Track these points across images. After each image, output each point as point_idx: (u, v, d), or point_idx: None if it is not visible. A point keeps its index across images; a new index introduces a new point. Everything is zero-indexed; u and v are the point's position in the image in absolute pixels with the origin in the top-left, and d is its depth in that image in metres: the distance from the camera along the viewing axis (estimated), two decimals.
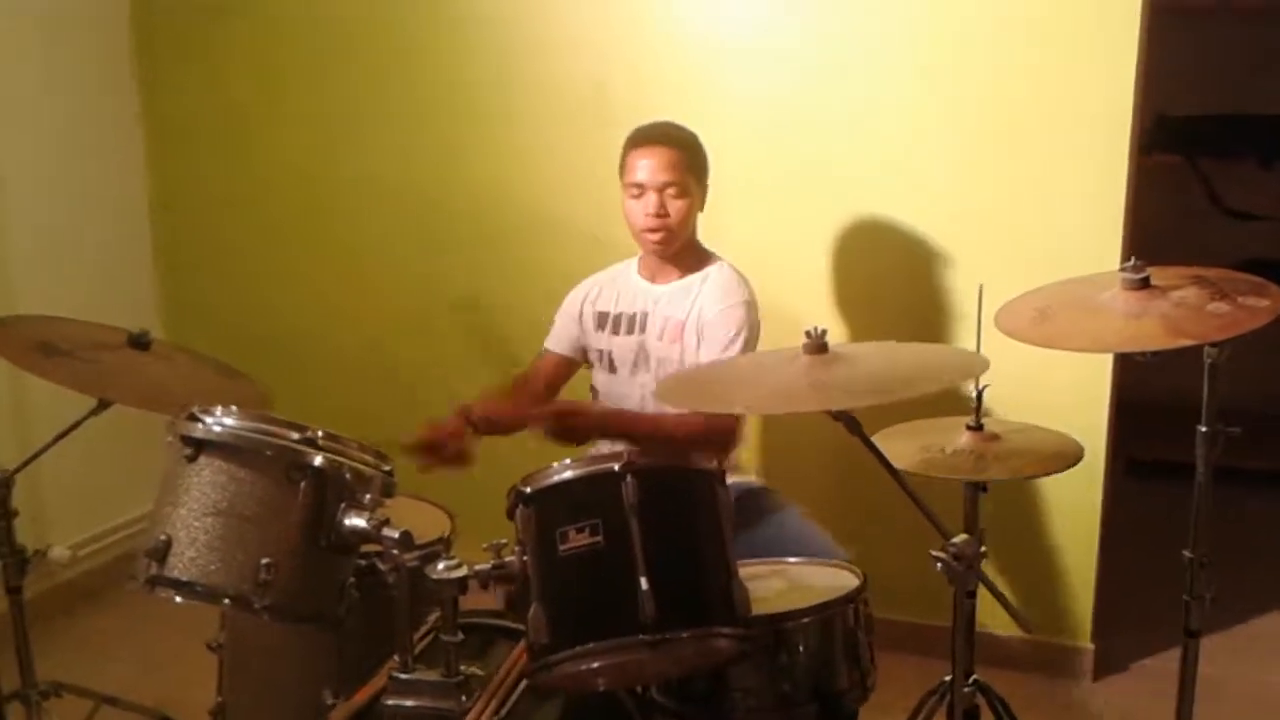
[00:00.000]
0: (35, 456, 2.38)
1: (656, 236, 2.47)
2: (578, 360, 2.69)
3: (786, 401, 1.87)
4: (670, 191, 2.43)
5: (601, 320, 2.62)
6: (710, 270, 2.52)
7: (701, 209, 2.53)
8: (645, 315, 2.55)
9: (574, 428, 2.33)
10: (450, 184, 3.37)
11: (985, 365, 1.88)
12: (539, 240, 3.18)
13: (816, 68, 2.96)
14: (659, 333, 2.52)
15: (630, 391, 2.56)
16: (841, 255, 3.01)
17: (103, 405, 2.27)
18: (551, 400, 2.61)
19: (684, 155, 2.46)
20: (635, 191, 2.46)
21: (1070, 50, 2.77)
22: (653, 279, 2.57)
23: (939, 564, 1.72)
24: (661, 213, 2.44)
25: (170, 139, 3.67)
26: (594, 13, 3.14)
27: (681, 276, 2.53)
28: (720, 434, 2.34)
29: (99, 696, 2.66)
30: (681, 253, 2.53)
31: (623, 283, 2.62)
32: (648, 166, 2.45)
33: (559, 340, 2.69)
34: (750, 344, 2.43)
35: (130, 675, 2.96)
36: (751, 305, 2.47)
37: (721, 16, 3.04)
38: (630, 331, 2.56)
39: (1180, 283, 1.91)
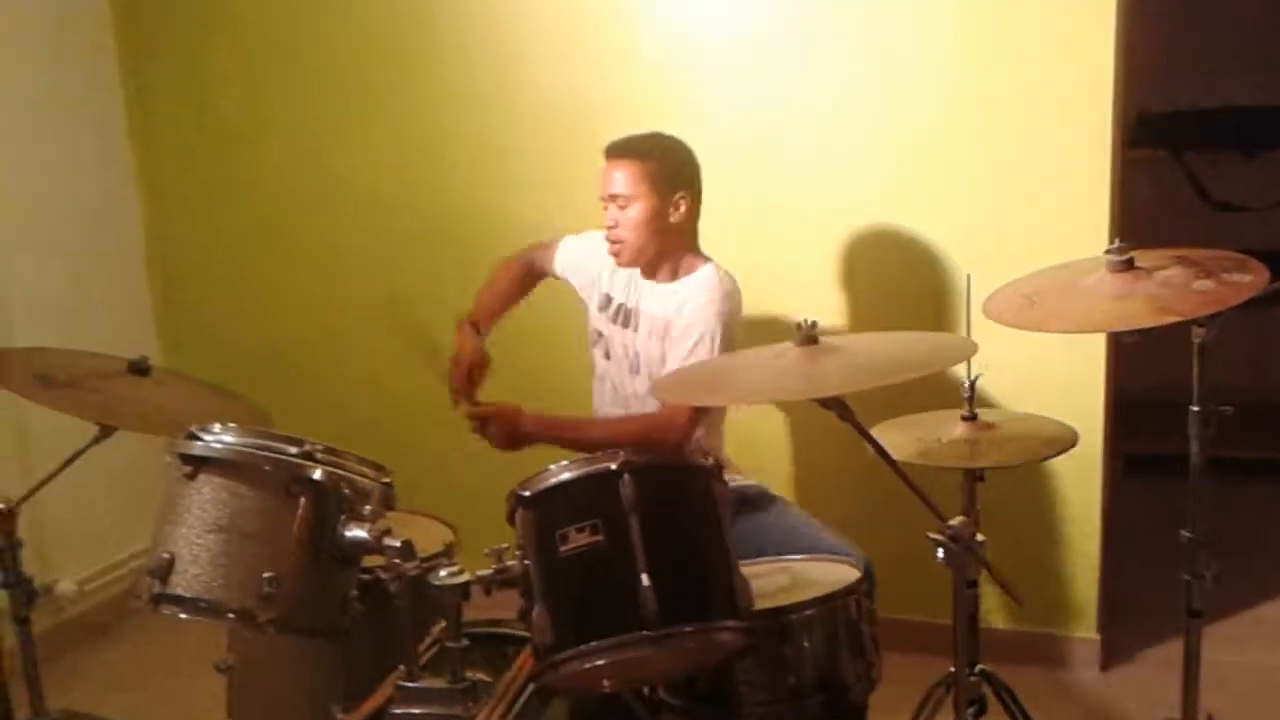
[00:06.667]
0: (39, 486, 2.39)
1: (611, 248, 2.52)
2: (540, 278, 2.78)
3: (778, 391, 1.88)
4: (618, 203, 2.47)
5: (605, 302, 2.64)
6: (699, 274, 2.52)
7: (679, 216, 2.50)
8: (637, 313, 2.57)
9: (515, 433, 2.38)
10: (449, 204, 3.38)
11: (974, 349, 1.90)
12: None
13: (801, 72, 2.98)
14: (648, 332, 2.53)
15: (628, 390, 2.57)
16: (832, 253, 3.02)
17: (105, 432, 2.28)
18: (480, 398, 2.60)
19: (638, 166, 2.46)
20: (603, 204, 2.52)
21: (1049, 49, 2.79)
22: (649, 274, 2.57)
23: (938, 548, 1.73)
24: (612, 224, 2.49)
25: (162, 162, 3.68)
26: (570, 24, 3.16)
27: (672, 278, 2.54)
28: (668, 433, 2.35)
29: None
30: (663, 258, 2.53)
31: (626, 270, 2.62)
32: (604, 180, 2.50)
33: (567, 262, 2.73)
34: (719, 350, 2.40)
35: (141, 704, 2.96)
36: (725, 315, 2.43)
37: (695, 20, 3.05)
38: (625, 325, 2.58)
39: (1164, 263, 1.93)
